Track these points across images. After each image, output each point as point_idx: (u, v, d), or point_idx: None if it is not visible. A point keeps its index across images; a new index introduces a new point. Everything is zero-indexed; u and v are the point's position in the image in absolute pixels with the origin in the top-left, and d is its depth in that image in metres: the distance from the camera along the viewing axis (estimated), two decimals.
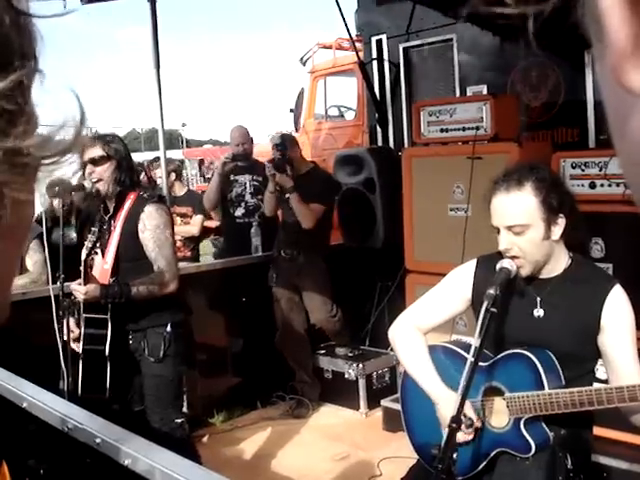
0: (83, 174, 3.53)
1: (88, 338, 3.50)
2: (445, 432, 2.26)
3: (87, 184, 3.60)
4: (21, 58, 0.44)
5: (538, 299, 2.53)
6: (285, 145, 5.29)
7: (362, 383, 5.30)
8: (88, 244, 3.55)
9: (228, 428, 5.16)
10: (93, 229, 3.61)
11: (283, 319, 5.45)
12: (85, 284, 3.43)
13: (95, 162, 3.49)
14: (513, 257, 2.43)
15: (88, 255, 3.55)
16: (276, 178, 5.17)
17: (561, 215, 2.43)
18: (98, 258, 3.59)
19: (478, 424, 2.46)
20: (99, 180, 3.52)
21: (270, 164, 5.23)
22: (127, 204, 3.58)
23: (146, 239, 3.53)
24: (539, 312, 2.52)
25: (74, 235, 5.70)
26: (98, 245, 3.60)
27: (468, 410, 2.41)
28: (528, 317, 2.53)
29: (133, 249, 3.55)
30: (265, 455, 4.72)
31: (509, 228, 2.42)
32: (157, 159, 7.45)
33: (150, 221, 3.53)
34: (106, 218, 3.63)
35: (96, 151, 3.49)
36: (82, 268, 3.52)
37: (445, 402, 2.50)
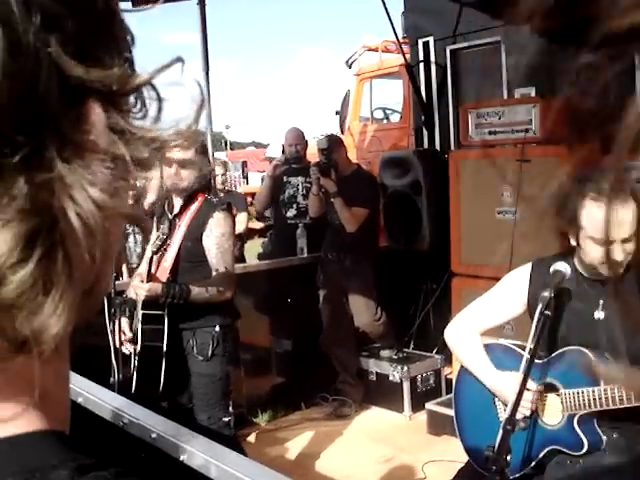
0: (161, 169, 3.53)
1: (146, 334, 3.53)
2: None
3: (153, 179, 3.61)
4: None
5: (600, 301, 2.51)
6: (331, 149, 5.33)
7: (406, 386, 5.29)
8: (157, 242, 3.58)
9: (272, 428, 5.18)
10: (162, 227, 3.64)
11: (328, 320, 5.47)
12: (147, 282, 3.49)
13: (183, 164, 3.49)
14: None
15: (155, 253, 3.59)
16: (320, 181, 5.22)
17: None
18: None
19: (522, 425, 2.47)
20: (181, 180, 3.53)
21: (315, 167, 5.29)
22: (194, 205, 3.60)
23: (210, 244, 3.56)
24: (600, 314, 2.50)
25: None
26: (167, 244, 3.61)
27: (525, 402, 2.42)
28: (588, 319, 2.51)
29: (194, 251, 3.58)
30: (308, 456, 4.73)
31: (625, 240, 2.36)
32: None
33: (217, 228, 3.56)
34: (170, 216, 3.66)
35: (188, 154, 3.47)
36: (146, 265, 3.57)
37: (502, 382, 2.55)
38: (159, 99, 0.48)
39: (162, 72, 0.47)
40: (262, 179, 7.38)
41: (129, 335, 3.58)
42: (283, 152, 6.63)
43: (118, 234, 0.49)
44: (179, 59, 0.48)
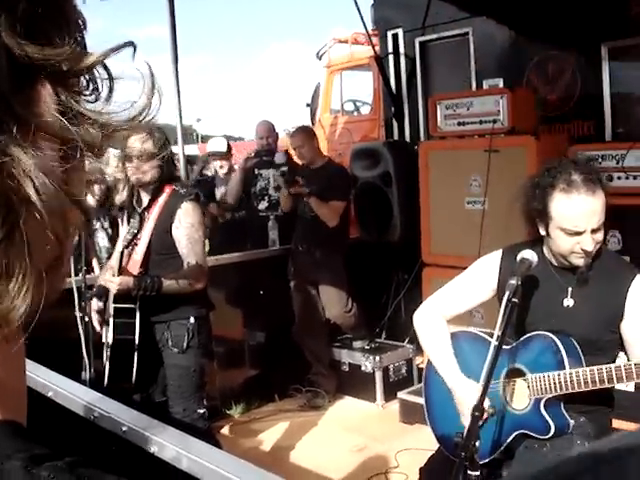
0: (123, 164, 3.50)
1: (118, 327, 3.52)
2: (465, 421, 2.29)
3: (120, 175, 3.59)
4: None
5: (569, 289, 2.55)
6: (288, 166, 5.73)
7: (379, 375, 5.32)
8: (128, 236, 3.56)
9: (246, 420, 5.19)
10: (132, 221, 3.62)
11: (300, 312, 5.48)
12: (119, 275, 3.48)
13: (143, 157, 3.46)
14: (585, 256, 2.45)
15: (126, 247, 3.58)
16: (291, 192, 5.34)
17: None
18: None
19: (491, 410, 2.49)
20: (143, 174, 3.51)
21: (281, 177, 5.52)
22: (162, 197, 3.59)
23: (179, 235, 3.55)
24: (569, 302, 2.55)
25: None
26: (137, 237, 3.60)
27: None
28: (557, 306, 2.56)
29: (164, 243, 3.57)
30: (282, 447, 4.75)
31: (595, 231, 2.42)
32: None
33: (185, 218, 3.55)
34: (139, 209, 3.65)
35: (146, 146, 3.44)
36: (117, 259, 3.55)
37: (462, 391, 2.54)
38: (110, 79, 0.48)
39: (114, 53, 0.47)
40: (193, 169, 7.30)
41: (100, 305, 3.55)
42: (229, 149, 6.65)
43: (75, 217, 0.49)
44: (130, 43, 0.47)
